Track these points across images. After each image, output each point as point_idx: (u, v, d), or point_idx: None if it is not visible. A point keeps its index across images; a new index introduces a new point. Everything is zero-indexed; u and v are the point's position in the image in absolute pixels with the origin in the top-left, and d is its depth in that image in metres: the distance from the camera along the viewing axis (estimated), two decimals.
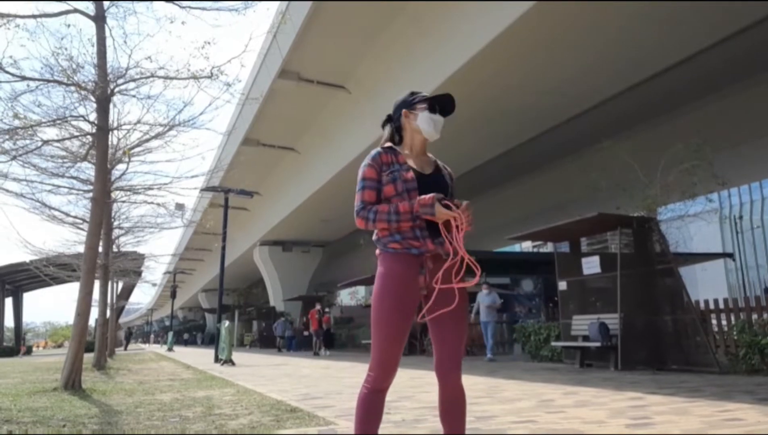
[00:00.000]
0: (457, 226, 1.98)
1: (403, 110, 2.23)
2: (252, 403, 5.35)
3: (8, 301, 35.88)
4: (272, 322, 31.22)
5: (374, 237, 2.12)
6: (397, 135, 2.24)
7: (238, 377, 8.96)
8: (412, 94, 2.26)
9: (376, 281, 2.06)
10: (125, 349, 38.05)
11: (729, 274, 31.95)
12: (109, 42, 7.52)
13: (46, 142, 8.10)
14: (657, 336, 8.09)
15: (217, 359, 14.68)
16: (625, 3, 9.56)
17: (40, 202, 10.12)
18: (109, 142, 8.49)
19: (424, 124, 2.16)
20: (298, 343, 23.68)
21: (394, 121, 2.26)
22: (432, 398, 5.21)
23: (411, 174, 2.07)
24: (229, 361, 13.38)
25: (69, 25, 7.66)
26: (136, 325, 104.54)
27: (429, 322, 2.09)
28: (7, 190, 8.79)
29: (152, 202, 11.48)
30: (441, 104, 2.21)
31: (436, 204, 1.97)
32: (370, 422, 2.05)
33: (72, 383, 7.01)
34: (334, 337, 19.70)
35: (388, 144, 2.20)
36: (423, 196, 2.00)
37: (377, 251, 2.11)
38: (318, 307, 19.08)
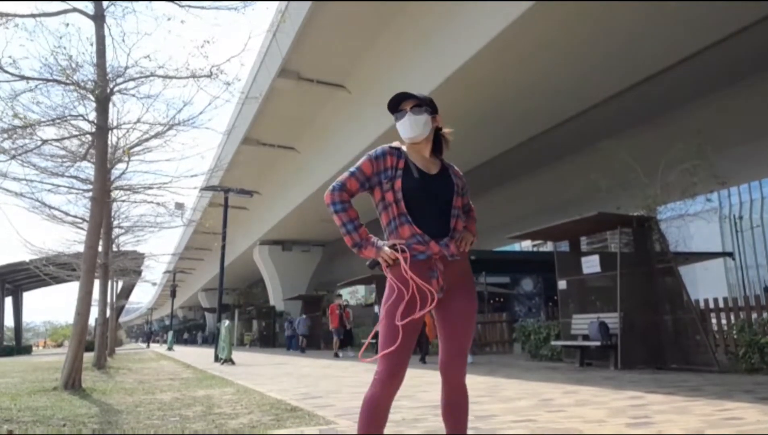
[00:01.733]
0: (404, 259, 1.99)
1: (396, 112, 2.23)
2: (252, 402, 5.35)
3: (8, 301, 35.86)
4: (272, 321, 31.21)
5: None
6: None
7: (238, 376, 8.96)
8: (393, 101, 2.22)
9: (388, 288, 2.05)
10: (148, 346, 39.16)
11: (729, 273, 31.96)
12: (108, 41, 7.52)
13: (45, 142, 8.10)
14: (657, 335, 8.09)
15: (217, 358, 14.69)
16: (625, 3, 9.56)
17: (40, 201, 10.12)
18: (109, 142, 8.48)
19: (400, 131, 2.17)
20: (298, 343, 23.63)
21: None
22: (432, 397, 5.21)
23: (399, 183, 2.05)
24: (229, 361, 13.39)
25: (68, 25, 7.63)
26: (136, 324, 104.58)
27: (438, 319, 2.10)
28: (7, 190, 8.79)
29: (152, 202, 11.49)
30: (397, 105, 2.17)
31: (384, 249, 2.01)
32: (375, 426, 2.03)
33: (72, 383, 7.00)
34: (353, 335, 18.54)
35: (397, 143, 2.19)
36: (372, 249, 2.02)
37: (384, 268, 2.10)
38: (339, 301, 17.10)
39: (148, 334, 51.86)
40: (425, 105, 2.16)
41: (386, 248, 2.02)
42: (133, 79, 7.82)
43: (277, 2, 13.82)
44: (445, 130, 2.26)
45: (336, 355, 15.79)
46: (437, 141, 2.23)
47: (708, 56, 11.46)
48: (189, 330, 59.07)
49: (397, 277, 2.02)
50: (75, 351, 7.19)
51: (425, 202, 2.07)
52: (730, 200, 33.82)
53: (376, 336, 2.16)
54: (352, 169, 2.11)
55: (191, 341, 53.27)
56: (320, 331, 24.70)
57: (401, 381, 2.04)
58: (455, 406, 2.07)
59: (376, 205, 2.13)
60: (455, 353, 2.04)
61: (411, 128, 2.12)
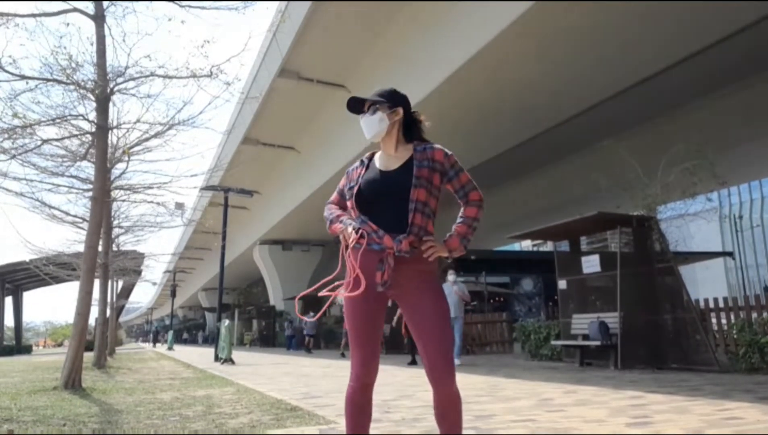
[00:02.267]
0: (346, 245, 2.07)
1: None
2: (252, 401, 5.35)
3: (8, 300, 35.87)
4: (272, 320, 31.18)
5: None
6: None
7: (238, 376, 8.96)
8: (350, 109, 2.29)
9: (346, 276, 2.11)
10: (154, 345, 39.48)
11: (729, 272, 31.96)
12: (108, 41, 7.52)
13: (45, 141, 8.09)
14: (657, 335, 8.09)
15: (216, 358, 14.69)
16: (626, 3, 9.56)
17: (40, 201, 10.12)
18: (109, 141, 8.48)
19: (366, 125, 2.20)
20: (298, 343, 23.63)
21: None
22: (432, 397, 5.21)
23: (356, 189, 2.11)
24: (229, 360, 13.39)
25: (68, 24, 7.63)
26: (136, 324, 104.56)
27: (411, 329, 2.06)
28: (7, 189, 8.79)
29: (152, 201, 11.47)
30: (355, 107, 2.23)
31: (347, 228, 2.08)
32: (359, 420, 2.06)
33: (72, 382, 7.01)
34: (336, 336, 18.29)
35: (368, 154, 2.30)
36: (339, 226, 2.12)
37: (341, 248, 2.14)
38: None
39: (154, 333, 52.05)
40: (380, 102, 2.15)
41: (350, 229, 2.06)
42: (133, 79, 7.83)
43: (277, 2, 13.82)
44: (423, 119, 2.25)
45: (343, 355, 15.39)
46: (408, 129, 2.20)
47: (708, 56, 11.46)
48: (189, 330, 59.07)
49: (349, 260, 2.07)
50: (75, 351, 7.19)
51: (381, 201, 2.07)
52: (730, 200, 33.81)
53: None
54: (337, 186, 2.33)
55: (192, 341, 53.25)
56: (320, 330, 24.71)
57: (375, 371, 2.06)
58: (448, 411, 2.02)
59: None
60: (438, 357, 1.95)
61: (367, 130, 2.18)
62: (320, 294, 2.10)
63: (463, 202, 2.15)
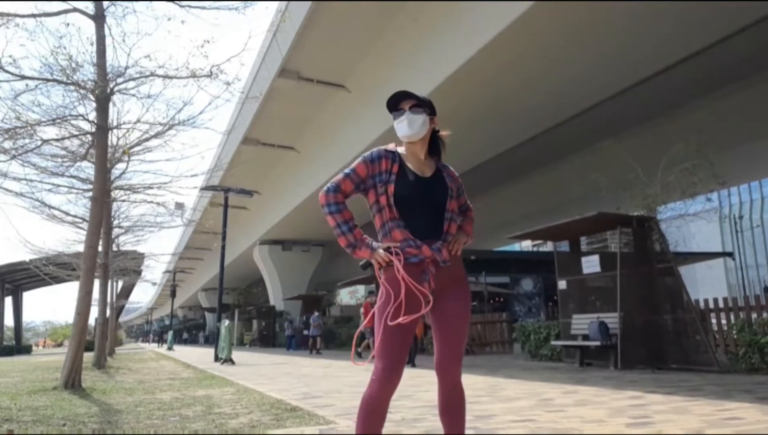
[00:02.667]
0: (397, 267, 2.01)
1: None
2: (252, 402, 5.35)
3: (8, 300, 35.87)
4: (272, 320, 31.18)
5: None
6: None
7: (238, 376, 8.96)
8: (393, 99, 2.20)
9: (382, 289, 2.07)
10: (159, 345, 39.80)
11: (729, 273, 31.96)
12: (108, 41, 7.52)
13: (45, 142, 8.09)
14: (657, 335, 8.09)
15: (216, 358, 14.69)
16: (626, 3, 9.56)
17: (40, 201, 10.12)
18: (109, 142, 8.48)
19: (397, 132, 2.17)
20: (298, 343, 23.62)
21: None
22: (432, 397, 5.22)
23: (392, 187, 2.05)
24: (229, 360, 13.39)
25: (68, 24, 7.62)
26: (136, 324, 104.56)
27: (433, 320, 2.11)
28: (7, 190, 8.78)
29: (152, 202, 11.46)
30: (396, 103, 2.17)
31: (378, 250, 2.02)
32: (373, 426, 2.03)
33: (72, 382, 7.01)
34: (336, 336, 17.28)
35: (392, 146, 2.19)
36: (367, 250, 2.03)
37: (376, 271, 2.10)
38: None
39: (158, 332, 52.06)
40: (424, 106, 2.16)
41: (380, 250, 2.02)
42: (133, 79, 7.83)
43: (277, 2, 13.82)
44: (443, 133, 2.25)
45: (359, 355, 14.01)
46: (434, 143, 2.23)
47: (708, 56, 11.47)
48: (189, 330, 59.05)
49: (389, 280, 2.03)
50: (75, 351, 7.20)
51: (418, 206, 2.07)
52: (730, 200, 33.82)
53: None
54: (346, 170, 2.11)
55: (192, 341, 53.19)
56: (321, 330, 24.68)
57: (398, 380, 2.05)
58: (452, 406, 2.09)
59: (370, 208, 2.13)
60: (450, 355, 2.05)
61: (409, 127, 2.12)
62: (392, 323, 1.99)
63: (462, 216, 2.27)
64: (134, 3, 7.82)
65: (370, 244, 2.05)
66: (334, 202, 2.06)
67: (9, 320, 36.91)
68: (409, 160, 2.15)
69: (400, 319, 1.97)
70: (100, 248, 9.45)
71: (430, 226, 2.06)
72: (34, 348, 46.76)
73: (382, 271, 2.06)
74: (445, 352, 2.05)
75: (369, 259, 2.06)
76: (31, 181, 9.27)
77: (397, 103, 2.17)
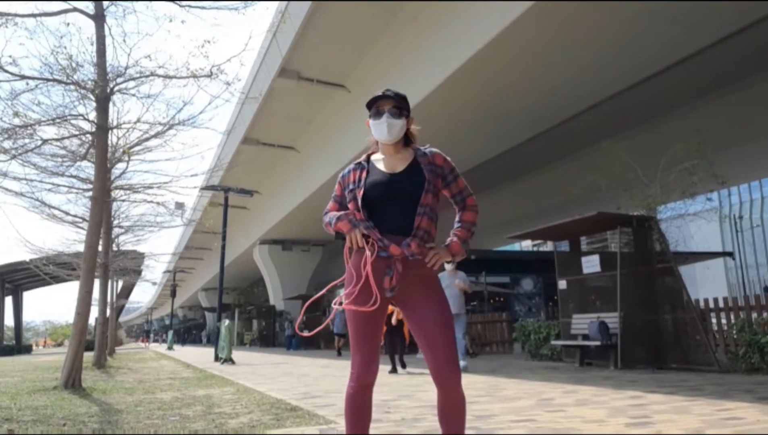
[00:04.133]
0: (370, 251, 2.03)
1: (367, 120, 2.24)
2: (252, 401, 5.35)
3: (8, 300, 35.89)
4: (272, 320, 31.19)
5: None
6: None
7: (238, 376, 8.96)
8: (372, 99, 2.19)
9: (346, 279, 2.10)
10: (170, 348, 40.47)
11: (729, 272, 31.96)
12: (108, 41, 7.53)
13: (45, 141, 8.10)
14: (657, 335, 8.09)
15: (217, 358, 14.69)
16: (625, 3, 9.56)
17: (40, 200, 10.14)
18: (109, 141, 8.48)
19: (372, 132, 2.20)
20: (298, 343, 23.63)
21: None
22: (432, 397, 5.21)
23: (361, 192, 2.09)
24: (229, 360, 13.39)
25: (68, 24, 7.63)
26: (136, 323, 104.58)
27: (414, 332, 2.08)
28: (7, 189, 8.80)
29: (152, 201, 11.49)
30: (390, 105, 2.14)
31: (353, 231, 2.04)
32: (359, 420, 2.06)
33: (72, 382, 7.01)
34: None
35: (363, 157, 2.25)
36: (347, 224, 2.05)
37: (346, 250, 2.13)
38: None
39: (158, 331, 52.03)
40: (403, 107, 2.15)
41: (359, 233, 2.03)
42: (133, 79, 7.83)
43: (277, 2, 13.82)
44: (413, 127, 2.26)
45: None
46: (406, 137, 2.23)
47: (708, 56, 11.46)
48: (189, 330, 59.02)
49: (354, 266, 2.07)
50: (75, 350, 7.20)
51: (386, 202, 2.07)
52: (730, 200, 33.81)
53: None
54: (332, 195, 2.26)
55: (193, 341, 53.06)
56: (320, 330, 24.68)
57: (375, 371, 2.07)
58: (452, 412, 2.05)
59: None
60: (444, 362, 1.98)
61: (388, 132, 2.13)
62: (334, 307, 2.08)
63: (460, 208, 2.20)
64: (134, 3, 7.86)
65: (353, 219, 2.07)
66: (329, 215, 2.17)
67: (9, 320, 36.96)
68: (381, 161, 2.19)
69: (351, 306, 2.00)
70: (100, 248, 9.45)
71: (401, 221, 2.04)
72: (34, 348, 46.77)
73: (351, 253, 2.10)
74: (440, 361, 1.99)
75: (347, 233, 2.07)
76: (31, 180, 9.29)
77: (374, 100, 2.17)
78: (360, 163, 2.22)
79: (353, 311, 2.04)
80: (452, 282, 8.52)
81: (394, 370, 8.55)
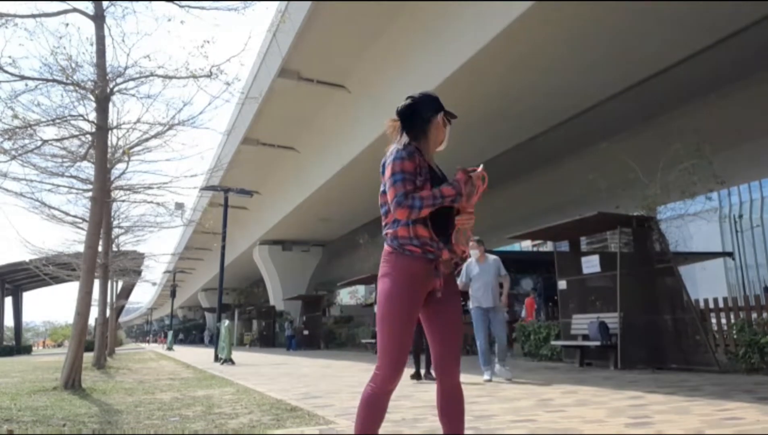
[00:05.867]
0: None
1: (441, 114, 2.20)
2: (252, 402, 5.35)
3: (8, 301, 35.87)
4: (272, 321, 31.19)
5: (388, 237, 2.07)
6: (423, 133, 2.17)
7: (238, 376, 8.96)
8: (437, 99, 2.22)
9: (386, 280, 2.03)
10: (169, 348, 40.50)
11: (729, 273, 31.94)
12: (108, 41, 7.53)
13: (45, 142, 8.10)
14: (657, 335, 8.09)
15: (216, 358, 14.69)
16: (626, 3, 9.56)
17: (40, 201, 10.12)
18: (109, 142, 8.48)
19: (438, 135, 2.21)
20: (298, 343, 23.64)
21: (423, 117, 2.18)
22: (432, 397, 5.21)
23: (429, 185, 2.05)
24: (229, 360, 13.39)
25: (68, 25, 7.63)
26: (136, 324, 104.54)
27: (426, 322, 2.12)
28: (7, 190, 8.79)
29: (152, 202, 11.49)
30: (448, 113, 2.27)
31: (463, 186, 2.01)
32: (373, 422, 2.04)
33: (72, 382, 7.01)
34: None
35: (414, 144, 2.12)
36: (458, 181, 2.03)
37: (387, 250, 2.07)
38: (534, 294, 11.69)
39: (158, 332, 51.94)
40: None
41: (469, 175, 2.05)
42: (133, 79, 7.84)
43: (277, 2, 13.82)
44: None
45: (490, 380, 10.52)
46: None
47: (708, 56, 11.46)
48: (189, 330, 58.99)
49: (401, 270, 2.02)
50: (75, 351, 7.20)
51: (440, 207, 2.05)
52: (730, 200, 33.80)
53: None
54: (396, 177, 1.99)
55: (192, 341, 52.98)
56: (321, 330, 24.72)
57: (401, 376, 2.06)
58: (452, 405, 2.10)
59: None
60: (450, 357, 2.09)
61: (446, 142, 2.23)
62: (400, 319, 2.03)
63: None
64: (134, 3, 7.85)
65: (447, 185, 2.02)
66: (411, 198, 1.96)
67: (9, 320, 36.92)
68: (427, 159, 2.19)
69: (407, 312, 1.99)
70: (100, 248, 9.45)
71: (444, 227, 2.07)
72: (34, 348, 46.74)
73: (389, 262, 2.05)
74: (447, 356, 2.09)
75: (458, 191, 2.00)
76: (31, 181, 9.28)
77: (442, 106, 2.23)
78: (418, 149, 2.11)
79: (398, 315, 1.99)
80: (484, 270, 6.97)
81: (417, 376, 7.23)
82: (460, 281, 6.99)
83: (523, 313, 15.51)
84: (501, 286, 7.04)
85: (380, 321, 2.02)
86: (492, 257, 7.12)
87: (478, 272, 6.95)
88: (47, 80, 7.39)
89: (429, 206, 1.96)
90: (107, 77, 7.52)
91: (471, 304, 7.05)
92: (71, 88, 7.59)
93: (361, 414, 2.04)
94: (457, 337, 2.11)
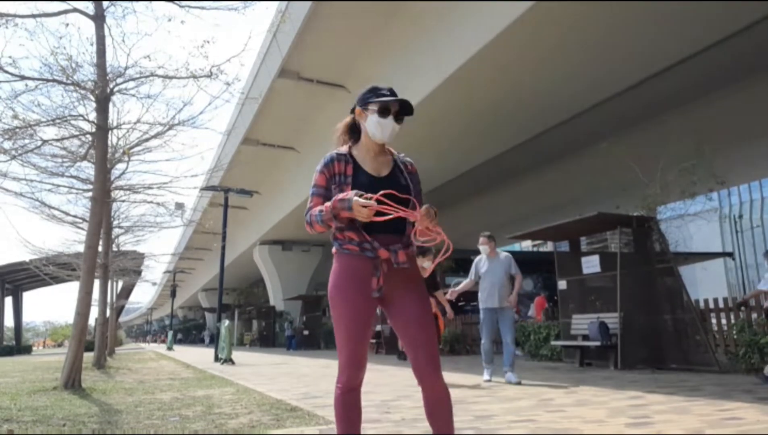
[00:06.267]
0: (413, 224, 2.02)
1: (357, 108, 2.13)
2: (252, 402, 5.35)
3: (8, 301, 35.89)
4: (272, 321, 31.19)
5: (332, 238, 2.11)
6: (353, 131, 2.18)
7: (238, 376, 8.96)
8: (372, 90, 2.10)
9: (330, 279, 2.08)
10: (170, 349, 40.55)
11: (728, 273, 31.95)
12: (108, 41, 7.53)
13: (45, 142, 8.10)
14: (657, 335, 8.09)
15: (216, 358, 14.69)
16: (625, 3, 9.56)
17: (40, 201, 10.13)
18: (109, 142, 8.49)
19: (371, 127, 2.07)
20: (298, 343, 23.64)
21: (353, 114, 2.18)
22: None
23: (348, 189, 2.00)
24: (229, 360, 13.39)
25: (68, 25, 7.64)
26: (136, 324, 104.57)
27: (396, 330, 2.09)
28: (7, 190, 8.80)
29: (152, 202, 11.49)
30: (396, 108, 2.07)
31: (353, 199, 1.90)
32: (350, 421, 2.04)
33: (72, 382, 7.01)
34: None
35: (344, 149, 2.13)
36: (343, 193, 1.97)
37: (333, 250, 2.11)
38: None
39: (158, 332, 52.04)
40: (407, 114, 2.11)
41: (355, 198, 1.90)
42: (133, 79, 7.84)
43: (277, 2, 13.82)
44: None
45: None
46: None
47: (708, 56, 11.46)
48: (189, 330, 59.00)
49: (340, 269, 2.06)
50: (75, 351, 7.20)
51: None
52: (730, 200, 33.80)
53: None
54: (311, 190, 2.11)
55: (195, 341, 52.93)
56: (321, 330, 24.72)
57: (363, 373, 2.05)
58: (438, 409, 2.03)
59: None
60: (426, 360, 1.99)
61: (384, 134, 2.07)
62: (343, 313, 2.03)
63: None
64: (134, 3, 7.84)
65: (343, 199, 1.93)
66: (308, 216, 2.08)
67: (9, 320, 36.94)
68: (364, 160, 2.11)
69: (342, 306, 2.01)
70: (100, 248, 9.45)
71: (387, 228, 2.01)
72: (34, 348, 46.75)
73: (337, 256, 2.09)
74: (422, 357, 1.99)
75: (341, 210, 1.95)
76: (31, 181, 9.29)
77: (383, 95, 2.07)
78: (344, 154, 2.10)
79: (343, 311, 2.02)
80: (494, 267, 6.69)
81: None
82: (469, 279, 6.95)
83: (531, 312, 15.46)
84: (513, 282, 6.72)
85: (333, 320, 2.07)
86: (504, 254, 6.86)
87: (487, 269, 6.69)
88: (47, 80, 7.39)
89: (317, 222, 2.02)
90: (107, 77, 7.52)
91: (480, 305, 6.86)
92: (71, 88, 7.59)
93: (338, 416, 2.05)
94: (426, 335, 2.00)
